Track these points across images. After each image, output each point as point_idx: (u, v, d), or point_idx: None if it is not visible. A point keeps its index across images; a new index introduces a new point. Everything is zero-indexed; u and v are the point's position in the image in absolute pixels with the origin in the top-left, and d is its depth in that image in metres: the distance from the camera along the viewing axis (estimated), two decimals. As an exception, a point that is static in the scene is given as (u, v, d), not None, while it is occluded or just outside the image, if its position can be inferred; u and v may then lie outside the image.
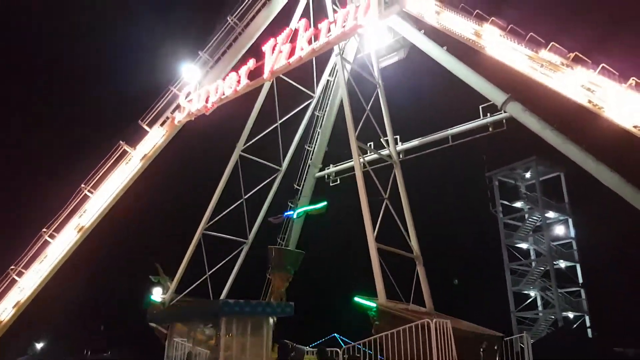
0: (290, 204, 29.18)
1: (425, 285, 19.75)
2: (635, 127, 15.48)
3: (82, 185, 26.99)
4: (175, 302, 21.59)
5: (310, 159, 29.49)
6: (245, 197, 26.72)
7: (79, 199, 26.86)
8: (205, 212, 26.06)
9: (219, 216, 26.02)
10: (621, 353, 31.31)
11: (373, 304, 16.40)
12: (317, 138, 29.24)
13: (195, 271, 25.60)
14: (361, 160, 20.88)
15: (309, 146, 29.37)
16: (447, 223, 47.18)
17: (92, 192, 26.85)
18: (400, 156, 24.25)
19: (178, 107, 27.34)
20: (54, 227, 26.53)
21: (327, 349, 14.55)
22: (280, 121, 27.27)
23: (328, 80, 29.03)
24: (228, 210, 26.42)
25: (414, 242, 20.57)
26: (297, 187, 29.37)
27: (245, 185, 26.80)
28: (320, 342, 22.59)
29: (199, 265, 25.24)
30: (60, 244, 26.42)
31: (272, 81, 26.13)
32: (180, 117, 26.96)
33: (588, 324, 40.21)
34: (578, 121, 20.71)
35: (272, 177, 27.93)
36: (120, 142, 27.51)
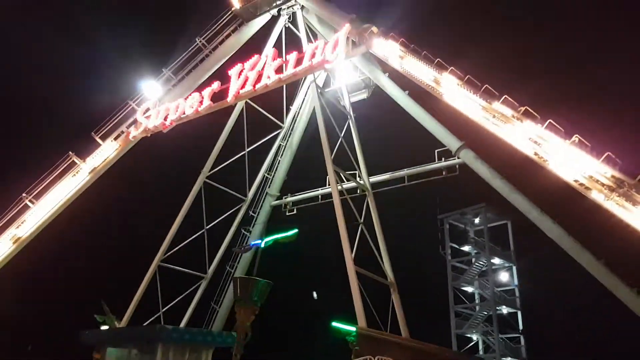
0: (243, 231, 28.80)
1: (401, 313, 19.87)
2: (576, 181, 16.33)
3: (24, 195, 25.70)
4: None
5: (269, 187, 29.46)
6: (207, 227, 26.00)
7: (18, 209, 25.58)
8: (161, 240, 25.09)
9: (177, 247, 25.10)
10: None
11: (352, 328, 16.40)
12: (277, 166, 29.33)
13: (148, 307, 24.33)
14: (339, 187, 21.04)
15: (268, 174, 29.33)
16: (399, 258, 47.64)
17: (33, 202, 25.57)
18: (358, 191, 24.62)
19: (135, 122, 26.76)
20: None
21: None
22: (249, 149, 27.13)
23: (296, 111, 29.36)
24: (188, 240, 25.52)
25: (388, 269, 20.81)
26: (253, 214, 29.13)
27: (205, 214, 26.06)
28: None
29: (153, 301, 24.09)
30: (-7, 254, 25.00)
31: (242, 108, 26.15)
32: (135, 133, 26.31)
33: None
34: (526, 171, 21.63)
35: (237, 207, 27.49)
36: (70, 152, 26.51)
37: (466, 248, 45.98)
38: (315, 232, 21.50)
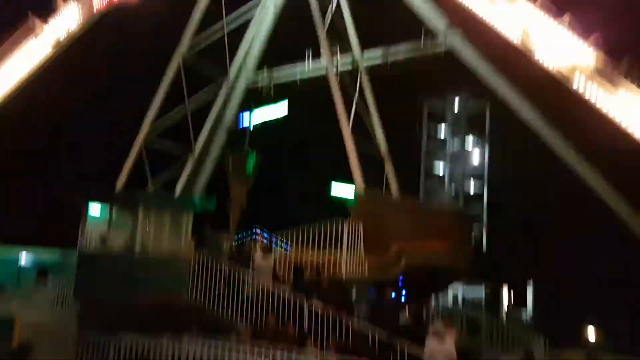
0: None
1: (394, 183, 20.62)
2: (558, 68, 16.34)
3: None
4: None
5: (243, 62, 28.16)
6: (190, 107, 24.61)
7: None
8: (137, 121, 23.86)
9: (161, 122, 23.99)
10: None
11: (351, 189, 17.11)
12: (253, 40, 27.65)
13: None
14: (335, 62, 20.79)
15: (242, 46, 27.79)
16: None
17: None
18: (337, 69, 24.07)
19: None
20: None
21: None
22: (231, 27, 25.32)
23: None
24: (171, 116, 24.17)
25: (382, 140, 21.20)
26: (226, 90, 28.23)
27: (188, 92, 24.44)
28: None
29: (139, 182, 23.16)
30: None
31: None
32: (99, 4, 23.94)
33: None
34: (510, 58, 21.43)
35: (219, 86, 26.30)
36: (29, 12, 24.11)
37: (442, 131, 47.00)
38: (298, 112, 20.96)
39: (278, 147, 27.99)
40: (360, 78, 22.11)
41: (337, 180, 18.17)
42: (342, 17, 23.08)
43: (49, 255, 24.01)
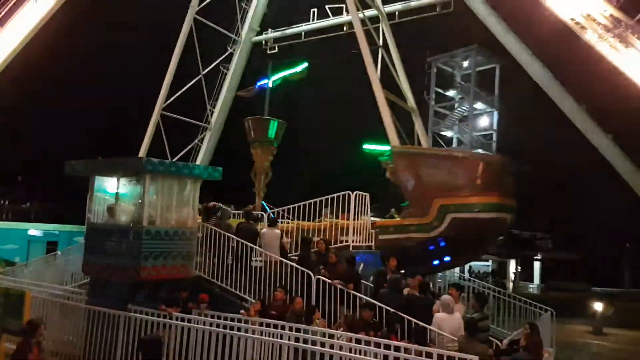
0: (222, 68, 27.40)
1: (424, 135, 20.05)
2: (572, 19, 15.70)
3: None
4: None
5: (248, 20, 27.55)
6: (204, 72, 24.41)
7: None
8: (158, 86, 23.35)
9: (177, 94, 23.59)
10: (516, 234, 35.33)
11: (385, 147, 16.11)
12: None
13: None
14: (360, 15, 19.53)
15: (246, 4, 27.15)
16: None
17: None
18: (345, 28, 23.41)
19: None
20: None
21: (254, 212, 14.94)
22: None
23: None
24: (186, 87, 23.95)
25: (409, 94, 20.50)
26: (232, 51, 27.81)
27: (194, 56, 24.03)
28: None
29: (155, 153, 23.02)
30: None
31: None
32: None
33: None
34: (522, 11, 20.70)
35: (231, 48, 25.71)
36: None
37: (451, 93, 45.96)
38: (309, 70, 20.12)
39: (294, 113, 27.45)
40: (383, 28, 21.08)
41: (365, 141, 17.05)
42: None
43: (58, 230, 24.43)
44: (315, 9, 23.63)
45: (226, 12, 25.97)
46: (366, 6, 21.26)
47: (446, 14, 21.50)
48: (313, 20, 24.38)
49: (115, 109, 39.74)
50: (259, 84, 19.51)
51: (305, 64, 19.09)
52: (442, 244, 13.25)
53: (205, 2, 24.26)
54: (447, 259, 13.84)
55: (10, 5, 23.71)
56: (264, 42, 27.64)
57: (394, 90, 19.62)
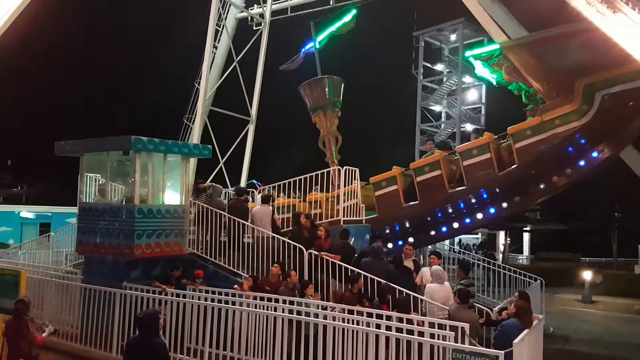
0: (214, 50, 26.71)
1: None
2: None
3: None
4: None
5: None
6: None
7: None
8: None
9: (216, 85, 22.71)
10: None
11: (494, 47, 14.04)
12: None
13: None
14: None
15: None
16: (371, 78, 47.58)
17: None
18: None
19: None
20: None
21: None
22: None
23: None
24: (223, 77, 23.02)
25: None
26: (217, 28, 27.23)
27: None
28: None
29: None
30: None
31: None
32: None
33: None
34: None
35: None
36: None
37: (439, 67, 45.84)
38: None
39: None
40: None
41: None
42: None
43: (51, 212, 24.42)
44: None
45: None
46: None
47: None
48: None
49: (117, 91, 39.25)
50: (303, 49, 17.86)
51: (354, 11, 17.35)
52: (588, 138, 11.37)
53: None
54: (595, 154, 11.75)
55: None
56: (249, 18, 27.17)
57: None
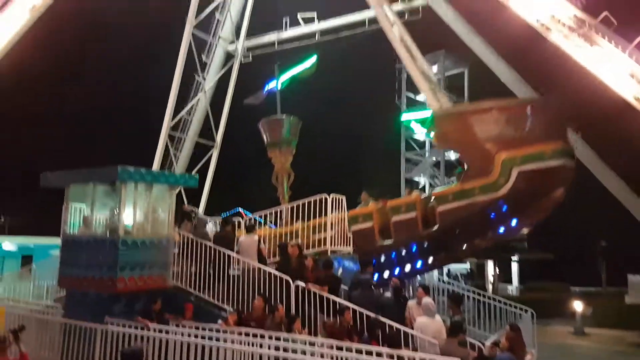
0: (197, 77, 27.22)
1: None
2: (537, 21, 16.15)
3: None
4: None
5: (221, 31, 27.57)
6: (207, 88, 24.14)
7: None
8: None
9: (181, 113, 23.57)
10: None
11: (427, 113, 15.48)
12: (229, 6, 26.91)
13: None
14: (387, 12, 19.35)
15: (220, 15, 27.08)
16: (355, 108, 48.09)
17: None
18: (317, 37, 23.59)
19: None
20: None
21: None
22: None
23: None
24: (190, 105, 23.75)
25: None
26: (205, 61, 27.63)
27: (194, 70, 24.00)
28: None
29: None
30: None
31: None
32: None
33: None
34: (488, 15, 21.20)
35: (230, 63, 25.50)
36: None
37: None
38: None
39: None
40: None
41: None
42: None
43: (33, 243, 23.82)
44: (287, 17, 23.77)
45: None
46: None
47: (413, 20, 21.98)
48: (285, 28, 24.49)
49: (93, 117, 39.01)
50: (266, 87, 18.76)
51: (315, 57, 18.36)
52: (505, 208, 12.05)
53: (201, 16, 24.14)
54: (514, 223, 12.53)
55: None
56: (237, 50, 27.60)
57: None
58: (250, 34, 27.39)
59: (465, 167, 13.29)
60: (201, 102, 26.22)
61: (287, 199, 15.67)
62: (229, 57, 28.21)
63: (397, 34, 18.99)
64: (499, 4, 17.16)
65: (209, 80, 27.42)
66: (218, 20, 27.24)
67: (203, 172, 24.16)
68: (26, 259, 21.60)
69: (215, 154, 24.76)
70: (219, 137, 24.68)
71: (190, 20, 23.65)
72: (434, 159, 44.24)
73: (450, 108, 15.51)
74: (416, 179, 45.97)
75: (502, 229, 12.68)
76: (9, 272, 18.07)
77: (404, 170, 44.23)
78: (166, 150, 24.51)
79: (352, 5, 23.87)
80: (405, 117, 16.43)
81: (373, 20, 23.23)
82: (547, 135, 11.81)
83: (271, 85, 18.22)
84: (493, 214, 12.21)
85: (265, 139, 16.39)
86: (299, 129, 16.44)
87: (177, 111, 24.34)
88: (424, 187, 45.08)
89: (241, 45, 25.84)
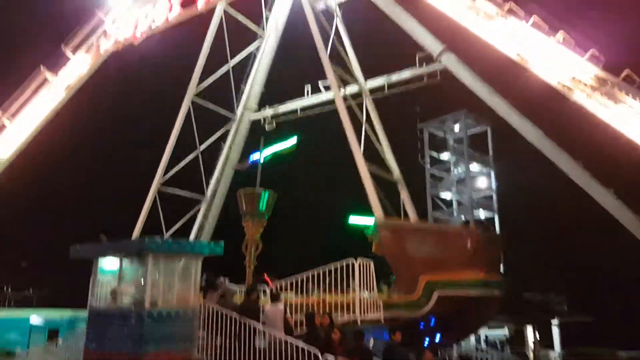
0: (223, 143, 28.02)
1: (411, 206, 20.30)
2: (558, 82, 16.22)
3: (-2, 112, 25.00)
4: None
5: (246, 100, 28.53)
6: (201, 148, 25.29)
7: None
8: (151, 163, 24.52)
9: (174, 170, 24.52)
10: (529, 298, 34.32)
11: (370, 221, 16.31)
12: (254, 78, 28.13)
13: (151, 233, 24.51)
14: (342, 92, 20.33)
15: (244, 85, 28.21)
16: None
17: (9, 120, 24.89)
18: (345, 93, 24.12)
19: (104, 33, 25.38)
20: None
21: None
22: (232, 63, 25.74)
23: (267, 16, 27.69)
24: (184, 162, 24.89)
25: (394, 166, 20.83)
26: (229, 129, 28.49)
27: (194, 133, 25.12)
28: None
29: (155, 225, 23.91)
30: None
31: (222, 18, 24.35)
32: (106, 45, 25.11)
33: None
34: (508, 75, 21.46)
35: (227, 126, 26.72)
36: (41, 66, 25.29)
37: (445, 156, 46.59)
38: (301, 146, 20.89)
39: (287, 186, 27.89)
40: (366, 104, 21.94)
41: (353, 213, 17.61)
42: (343, 46, 23.23)
43: (60, 316, 23.93)
44: (309, 85, 24.55)
45: (226, 90, 27.02)
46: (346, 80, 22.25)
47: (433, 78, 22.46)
48: (307, 96, 25.22)
49: (114, 187, 40.24)
50: (251, 157, 20.17)
51: (294, 139, 19.73)
52: (423, 326, 13.11)
53: (202, 87, 25.29)
54: (437, 338, 13.53)
55: (24, 98, 25.01)
56: (262, 119, 28.42)
57: (380, 162, 20.08)
58: (273, 101, 28.34)
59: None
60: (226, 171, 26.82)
61: (252, 268, 16.22)
62: (252, 125, 29.00)
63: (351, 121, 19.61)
64: (519, 67, 17.35)
65: (235, 149, 28.03)
66: (242, 89, 28.28)
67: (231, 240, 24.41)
68: (53, 332, 21.61)
69: (203, 207, 25.29)
70: (209, 192, 25.76)
71: (192, 90, 24.95)
72: (462, 217, 43.52)
73: (390, 221, 16.23)
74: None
75: (426, 341, 13.52)
76: (35, 346, 17.98)
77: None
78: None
79: (372, 71, 24.60)
80: (352, 219, 17.30)
81: (392, 85, 23.76)
82: (473, 264, 12.78)
83: (255, 156, 19.39)
84: (421, 325, 13.14)
85: (241, 208, 17.23)
86: (273, 203, 17.31)
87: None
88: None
89: (240, 113, 26.95)
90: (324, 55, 20.79)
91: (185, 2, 23.16)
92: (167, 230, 23.90)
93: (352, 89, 22.73)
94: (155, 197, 24.03)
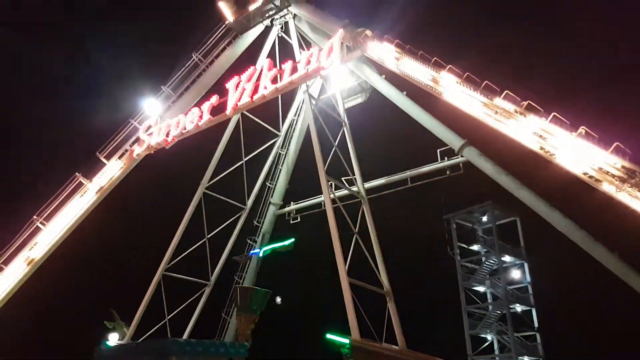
0: (249, 241, 28.79)
1: (397, 321, 19.69)
2: (585, 174, 16.13)
3: (34, 217, 26.34)
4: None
5: (271, 197, 29.41)
6: (209, 236, 26.32)
7: (30, 231, 26.15)
8: (165, 251, 25.59)
9: (180, 256, 25.56)
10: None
11: (346, 340, 16.54)
12: (279, 175, 29.31)
13: (154, 315, 25.08)
14: (332, 195, 21.01)
15: (270, 183, 29.31)
16: (407, 263, 47.38)
17: (44, 224, 26.07)
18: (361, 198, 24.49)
19: (137, 140, 27.05)
20: (3, 259, 25.78)
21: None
22: (246, 159, 27.39)
23: (292, 119, 29.45)
24: (190, 250, 26.03)
25: (384, 278, 20.65)
26: (257, 224, 29.12)
27: (207, 223, 26.62)
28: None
29: (158, 309, 24.75)
30: (8, 277, 25.51)
31: (238, 119, 26.26)
32: (139, 150, 26.67)
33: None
34: (532, 166, 21.49)
35: (236, 215, 27.70)
36: (77, 173, 26.94)
37: (475, 247, 45.58)
38: (318, 240, 21.56)
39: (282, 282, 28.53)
40: (362, 212, 22.32)
41: (333, 331, 17.72)
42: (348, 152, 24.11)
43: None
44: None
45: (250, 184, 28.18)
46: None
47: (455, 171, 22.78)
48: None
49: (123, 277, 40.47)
50: (251, 252, 20.79)
51: (292, 240, 20.42)
52: None
53: (215, 180, 26.82)
54: None
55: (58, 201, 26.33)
56: (287, 213, 29.03)
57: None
58: (298, 197, 29.25)
59: None
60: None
61: None
62: (278, 218, 29.70)
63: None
64: (542, 159, 17.48)
65: (259, 244, 28.42)
66: (268, 186, 29.32)
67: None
68: None
69: (207, 291, 26.58)
70: (213, 277, 26.77)
71: (204, 183, 26.55)
72: (498, 312, 41.63)
73: (366, 343, 16.94)
74: (482, 335, 42.89)
75: None
76: None
77: (468, 326, 41.63)
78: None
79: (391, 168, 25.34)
80: (329, 336, 17.54)
81: (415, 179, 24.15)
82: None
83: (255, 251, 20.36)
84: None
85: (237, 302, 17.54)
86: (266, 300, 17.78)
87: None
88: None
89: (250, 203, 28.31)
90: (320, 164, 21.67)
91: (214, 109, 24.72)
92: (168, 314, 24.59)
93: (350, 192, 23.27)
94: (160, 282, 24.76)
